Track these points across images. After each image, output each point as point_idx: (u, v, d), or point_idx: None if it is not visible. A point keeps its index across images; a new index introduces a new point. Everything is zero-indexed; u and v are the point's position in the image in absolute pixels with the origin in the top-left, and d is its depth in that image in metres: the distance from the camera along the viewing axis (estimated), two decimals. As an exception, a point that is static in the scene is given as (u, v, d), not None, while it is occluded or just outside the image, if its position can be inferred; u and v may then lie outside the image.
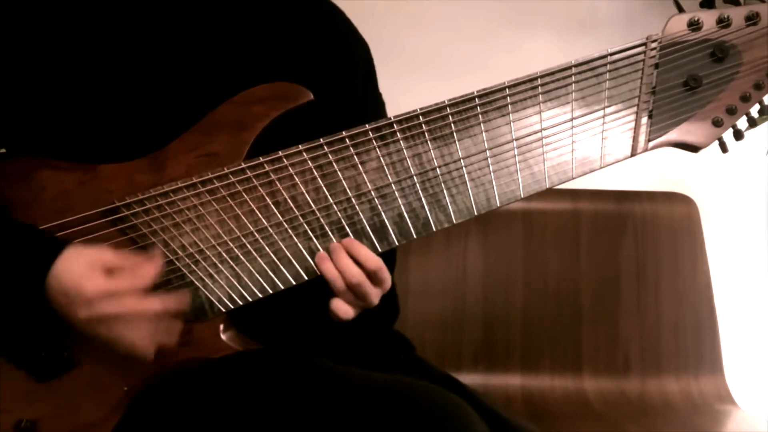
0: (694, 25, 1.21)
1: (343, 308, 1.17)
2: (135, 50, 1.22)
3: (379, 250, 1.19)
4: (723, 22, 1.21)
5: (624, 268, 2.09)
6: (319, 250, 1.18)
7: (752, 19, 1.21)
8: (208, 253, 1.16)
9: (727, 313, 2.19)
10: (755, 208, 2.32)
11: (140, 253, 1.13)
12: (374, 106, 1.39)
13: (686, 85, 1.21)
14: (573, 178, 1.21)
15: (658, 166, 2.20)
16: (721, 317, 2.10)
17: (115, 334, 1.08)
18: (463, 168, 1.19)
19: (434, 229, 1.20)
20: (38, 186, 1.16)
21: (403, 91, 1.49)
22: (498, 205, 1.20)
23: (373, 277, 1.17)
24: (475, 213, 1.20)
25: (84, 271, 1.07)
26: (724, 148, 1.25)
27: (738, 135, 1.24)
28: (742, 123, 1.25)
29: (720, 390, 2.05)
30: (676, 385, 2.04)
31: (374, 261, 1.17)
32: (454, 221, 1.20)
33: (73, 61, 1.19)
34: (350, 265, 1.16)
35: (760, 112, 1.24)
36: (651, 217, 2.11)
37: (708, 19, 1.21)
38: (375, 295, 1.19)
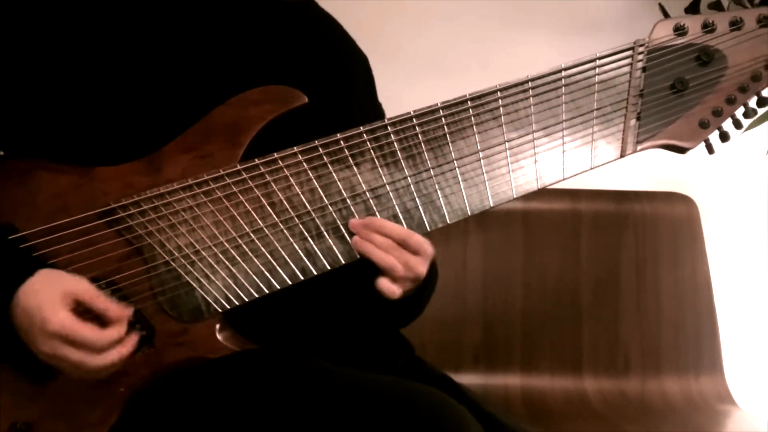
0: (680, 30, 1.23)
1: (387, 286, 1.19)
2: (131, 53, 1.22)
3: None
4: (708, 27, 1.23)
5: (624, 268, 2.09)
6: (314, 250, 1.19)
7: (736, 24, 1.23)
8: (204, 253, 1.17)
9: (727, 313, 2.18)
10: (755, 208, 2.31)
11: (112, 302, 1.11)
12: (374, 116, 1.39)
13: (673, 88, 1.23)
14: (565, 179, 1.23)
15: (658, 166, 2.20)
16: (721, 317, 2.10)
17: (68, 370, 1.09)
18: (457, 169, 1.21)
19: (428, 229, 1.21)
20: (34, 188, 1.17)
21: (402, 91, 1.50)
22: (491, 205, 1.22)
23: (405, 246, 1.19)
24: (469, 213, 1.22)
25: (52, 299, 1.07)
26: (710, 149, 1.27)
27: (724, 137, 1.26)
28: (728, 125, 1.26)
29: (720, 390, 2.05)
30: (676, 385, 2.04)
31: (398, 230, 1.19)
32: (448, 221, 1.21)
33: (69, 64, 1.20)
34: (377, 236, 1.18)
35: (744, 114, 1.25)
36: (651, 217, 2.11)
37: (693, 24, 1.23)
38: (418, 262, 1.20)
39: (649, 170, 2.21)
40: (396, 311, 1.30)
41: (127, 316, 1.10)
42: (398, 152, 1.20)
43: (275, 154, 1.17)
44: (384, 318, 1.33)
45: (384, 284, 1.19)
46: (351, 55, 1.40)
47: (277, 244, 1.18)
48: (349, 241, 1.19)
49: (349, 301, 1.29)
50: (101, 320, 1.08)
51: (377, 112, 1.39)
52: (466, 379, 1.96)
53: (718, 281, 2.14)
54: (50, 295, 1.07)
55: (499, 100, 1.21)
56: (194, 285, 1.16)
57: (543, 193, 1.25)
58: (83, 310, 1.08)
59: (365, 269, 1.20)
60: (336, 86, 1.33)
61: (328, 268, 1.20)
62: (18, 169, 1.18)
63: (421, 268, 1.21)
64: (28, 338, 1.07)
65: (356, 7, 1.44)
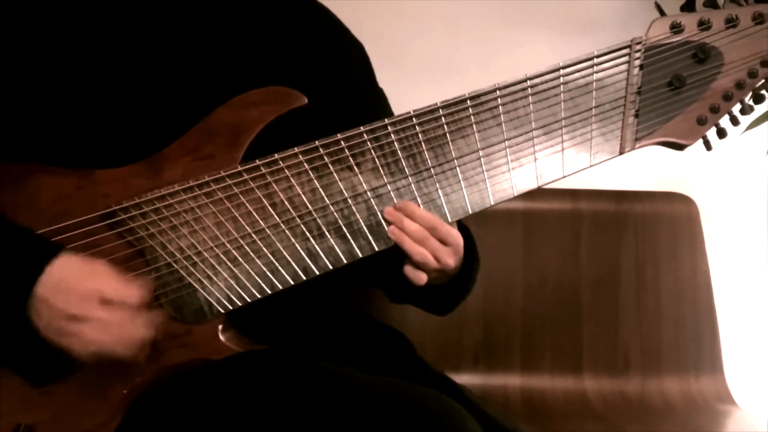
0: (676, 28, 1.24)
1: (414, 273, 1.21)
2: (130, 55, 1.22)
3: (376, 249, 1.20)
4: (704, 25, 1.24)
5: (624, 268, 2.09)
6: (316, 250, 1.19)
7: (732, 21, 1.24)
8: (206, 255, 1.17)
9: (727, 313, 2.18)
10: (755, 208, 2.31)
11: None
12: (376, 102, 1.40)
13: (671, 85, 1.24)
14: (564, 177, 1.24)
15: (658, 166, 2.20)
16: (721, 317, 2.10)
17: (91, 338, 1.09)
18: (457, 168, 1.21)
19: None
20: (35, 191, 1.17)
21: (402, 91, 1.50)
22: (492, 203, 1.22)
23: (433, 233, 1.20)
24: (470, 212, 1.22)
25: (84, 270, 1.09)
26: (708, 146, 1.28)
27: (721, 133, 1.27)
28: (725, 122, 1.27)
29: (720, 390, 2.05)
30: (676, 385, 2.04)
31: (428, 218, 1.20)
32: (450, 220, 1.22)
33: (70, 66, 1.20)
34: (410, 223, 1.20)
35: (741, 111, 1.26)
36: (651, 217, 2.11)
37: (689, 22, 1.24)
38: (446, 253, 1.21)
39: (649, 170, 2.21)
40: (430, 300, 1.36)
41: (150, 290, 1.13)
42: (399, 152, 1.20)
43: (276, 154, 1.17)
44: (422, 304, 1.39)
45: (411, 271, 1.21)
46: (347, 43, 1.41)
47: (278, 245, 1.18)
48: (351, 240, 1.19)
49: (354, 299, 1.30)
50: None
51: (379, 98, 1.40)
52: (466, 379, 1.96)
53: (718, 281, 2.14)
54: (82, 269, 1.10)
55: (498, 99, 1.21)
56: (196, 286, 1.17)
57: (543, 192, 1.25)
58: None
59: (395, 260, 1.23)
60: (334, 76, 1.34)
61: (330, 267, 1.20)
62: (18, 173, 1.19)
63: (448, 259, 1.22)
64: (55, 309, 1.07)
65: (358, 8, 1.44)
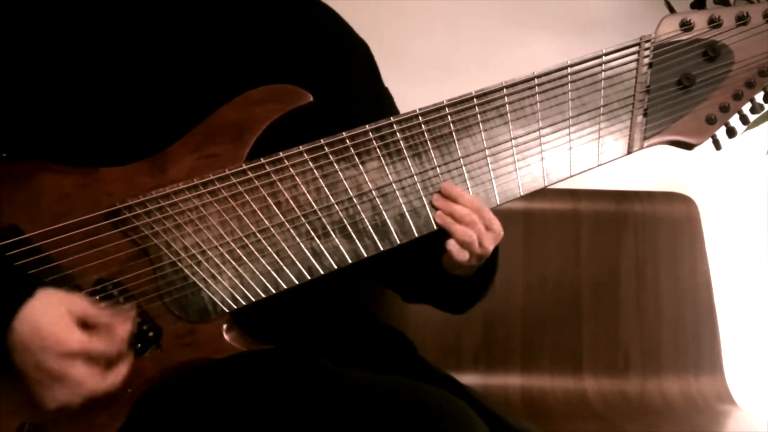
0: (686, 26, 1.24)
1: (457, 249, 1.21)
2: (134, 53, 1.22)
3: (381, 248, 1.20)
4: (714, 23, 1.24)
5: (624, 268, 2.09)
6: (321, 249, 1.19)
7: (743, 19, 1.24)
8: (211, 253, 1.17)
9: (727, 313, 2.18)
10: (755, 208, 2.31)
11: (113, 309, 1.13)
12: (379, 101, 1.40)
13: (680, 84, 1.24)
14: (571, 176, 1.23)
15: (658, 166, 2.20)
16: (721, 317, 2.10)
17: (62, 393, 1.08)
18: (463, 167, 1.21)
19: (435, 227, 1.21)
20: (38, 189, 1.17)
21: (404, 91, 1.50)
22: (498, 203, 1.22)
23: (480, 216, 1.21)
24: (475, 211, 1.22)
25: (63, 319, 1.07)
26: (717, 145, 1.27)
27: (731, 133, 1.27)
28: (734, 121, 1.27)
29: (720, 390, 2.05)
30: (676, 385, 2.04)
31: (473, 201, 1.21)
32: (455, 221, 1.21)
33: (73, 64, 1.20)
34: (457, 207, 1.20)
35: (752, 110, 1.26)
36: (651, 217, 2.11)
37: (699, 19, 1.24)
38: (490, 239, 1.22)
39: (649, 170, 2.21)
40: (449, 297, 1.35)
41: (133, 315, 1.11)
42: (404, 150, 1.20)
43: (281, 153, 1.17)
44: (443, 297, 1.38)
45: (454, 247, 1.21)
46: (349, 42, 1.41)
47: (283, 244, 1.18)
48: (356, 240, 1.19)
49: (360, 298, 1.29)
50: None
51: (383, 97, 1.40)
52: (466, 379, 1.94)
53: (718, 281, 2.14)
54: (59, 316, 1.07)
55: (505, 98, 1.21)
56: (201, 285, 1.16)
57: (543, 192, 1.25)
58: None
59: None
60: (336, 74, 1.34)
61: (335, 267, 1.19)
62: (22, 171, 1.18)
63: (490, 245, 1.23)
64: (30, 358, 1.07)
65: (359, 8, 1.44)
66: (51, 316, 1.07)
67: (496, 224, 1.23)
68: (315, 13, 1.39)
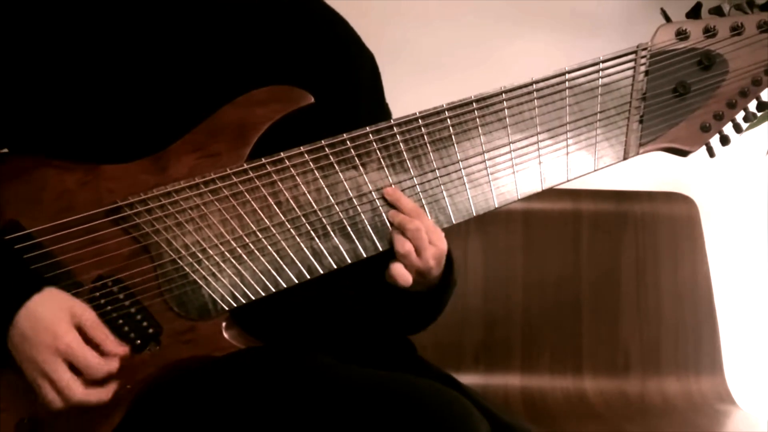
0: (682, 35, 1.25)
1: (401, 272, 1.18)
2: (138, 51, 1.22)
3: (381, 249, 1.21)
4: (709, 32, 1.25)
5: (624, 268, 2.10)
6: (321, 249, 1.20)
7: (737, 29, 1.25)
8: (211, 252, 1.17)
9: (727, 313, 2.19)
10: (755, 208, 2.32)
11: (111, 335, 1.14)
12: (380, 115, 1.39)
13: (675, 92, 1.25)
14: (568, 181, 1.24)
15: (658, 166, 2.20)
16: (721, 317, 2.10)
17: (47, 393, 1.10)
18: (462, 170, 1.22)
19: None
20: (39, 186, 1.17)
21: (404, 91, 1.50)
22: (496, 206, 1.23)
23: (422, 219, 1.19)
24: (474, 214, 1.23)
25: (64, 316, 1.10)
26: (711, 153, 1.29)
27: (725, 140, 1.28)
28: (728, 129, 1.29)
29: (720, 390, 2.05)
30: (676, 385, 2.04)
31: (413, 207, 1.20)
32: (454, 221, 1.22)
33: (76, 61, 1.20)
34: (405, 217, 1.19)
35: (745, 118, 1.27)
36: (651, 217, 2.11)
37: (695, 29, 1.25)
38: (430, 252, 1.19)
39: (649, 170, 2.22)
40: (408, 310, 1.31)
41: (123, 353, 1.12)
42: (404, 153, 1.21)
43: (282, 153, 1.18)
44: (396, 317, 1.34)
45: (396, 269, 1.19)
46: (357, 53, 1.41)
47: (283, 243, 1.19)
48: (355, 240, 1.20)
49: (357, 299, 1.29)
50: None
51: (384, 112, 1.39)
52: (466, 379, 1.94)
53: (718, 281, 2.14)
54: (61, 313, 1.09)
55: (504, 102, 1.22)
56: (201, 283, 1.17)
57: (543, 193, 1.25)
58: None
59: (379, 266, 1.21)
60: (340, 85, 1.34)
61: (335, 267, 1.20)
62: (23, 167, 1.18)
63: (431, 259, 1.20)
64: (27, 349, 1.09)
65: (358, 7, 1.44)
66: (53, 312, 1.09)
67: (437, 238, 1.21)
68: (325, 20, 1.39)
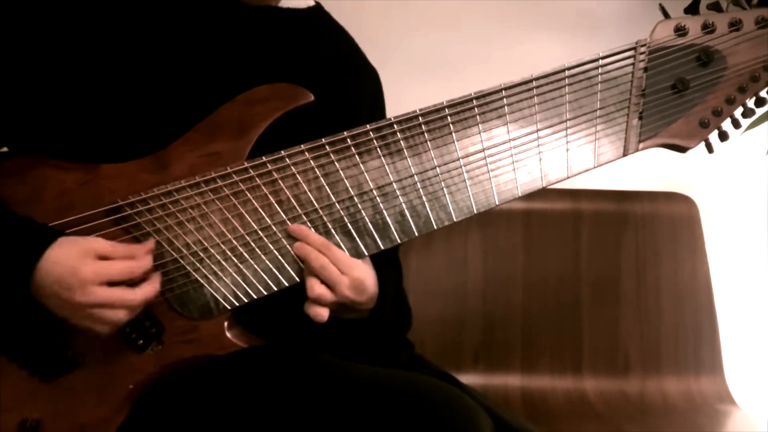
0: (681, 31, 1.25)
1: (316, 312, 1.16)
2: (137, 50, 1.23)
3: (382, 247, 1.21)
4: (708, 28, 1.25)
5: (624, 268, 2.09)
6: None
7: (735, 25, 1.25)
8: (213, 251, 1.17)
9: (727, 313, 2.19)
10: (755, 208, 2.32)
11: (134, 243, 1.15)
12: None
13: (674, 88, 1.25)
14: (568, 177, 1.24)
15: (658, 166, 2.21)
16: (721, 317, 2.10)
17: (107, 318, 1.10)
18: (462, 167, 1.21)
19: (435, 227, 1.21)
20: (39, 185, 1.17)
21: (403, 90, 1.50)
22: (497, 203, 1.22)
23: (328, 254, 1.17)
24: (475, 211, 1.22)
25: (78, 257, 1.09)
26: (710, 148, 1.29)
27: (723, 136, 1.28)
28: (726, 125, 1.28)
29: (720, 390, 2.05)
30: (676, 385, 2.04)
31: (322, 240, 1.18)
32: (455, 219, 1.22)
33: (76, 61, 1.20)
34: (310, 250, 1.17)
35: (743, 114, 1.27)
36: (651, 217, 2.11)
37: (693, 25, 1.25)
38: (343, 283, 1.16)
39: (650, 170, 2.22)
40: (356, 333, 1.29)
41: (152, 248, 1.13)
42: (404, 150, 1.20)
43: (283, 152, 1.18)
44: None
45: (311, 310, 1.17)
46: (360, 69, 1.41)
47: (285, 242, 1.19)
48: (357, 238, 1.20)
49: None
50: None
51: None
52: (466, 379, 1.93)
53: (718, 281, 2.14)
54: (73, 256, 1.09)
55: (504, 99, 1.22)
56: (203, 282, 1.17)
57: (543, 192, 1.25)
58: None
59: None
60: (340, 98, 1.34)
61: (336, 265, 1.20)
62: (23, 166, 1.19)
63: (346, 290, 1.17)
64: (63, 300, 1.08)
65: (357, 7, 1.45)
66: (70, 253, 1.09)
67: (348, 267, 1.17)
68: (329, 33, 1.40)
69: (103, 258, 1.10)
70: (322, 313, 1.16)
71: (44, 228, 1.13)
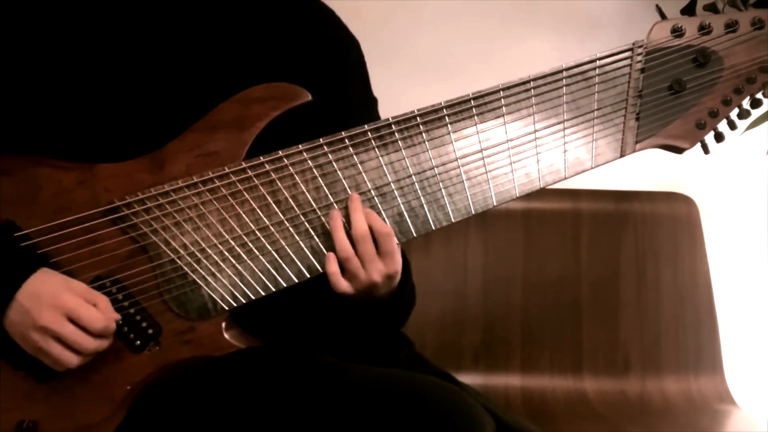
0: (677, 32, 1.26)
1: (337, 278, 1.18)
2: (134, 49, 1.23)
3: None
4: (704, 29, 1.26)
5: (624, 268, 2.09)
6: (320, 248, 1.19)
7: (731, 26, 1.26)
8: (210, 251, 1.17)
9: (727, 313, 2.19)
10: (755, 208, 2.32)
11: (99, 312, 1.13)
12: (368, 104, 1.40)
13: (671, 89, 1.25)
14: (566, 178, 1.25)
15: (659, 166, 2.20)
16: (721, 317, 2.10)
17: (49, 363, 1.11)
18: (460, 168, 1.21)
19: (433, 227, 1.21)
20: (36, 185, 1.17)
21: (402, 90, 1.50)
22: (495, 204, 1.22)
23: (380, 240, 1.18)
24: (473, 212, 1.22)
25: (58, 285, 1.11)
26: (706, 149, 1.29)
27: (719, 137, 1.28)
28: (722, 126, 1.29)
29: (720, 390, 2.05)
30: (676, 385, 2.04)
31: (384, 226, 1.18)
32: (453, 220, 1.22)
33: (72, 60, 1.20)
34: (360, 218, 1.18)
35: (739, 115, 1.28)
36: (651, 217, 2.11)
37: (690, 26, 1.26)
38: (377, 270, 1.18)
39: (649, 170, 2.21)
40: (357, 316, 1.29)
41: (118, 318, 1.13)
42: (402, 151, 1.20)
43: (280, 152, 1.17)
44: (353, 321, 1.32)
45: (334, 275, 1.18)
46: (347, 45, 1.41)
47: (283, 242, 1.18)
48: None
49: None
50: None
51: (370, 100, 1.41)
52: (466, 379, 1.93)
53: (718, 281, 2.14)
54: (56, 285, 1.11)
55: (502, 100, 1.22)
56: (200, 283, 1.17)
57: (543, 192, 1.25)
58: None
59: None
60: (333, 78, 1.34)
61: (334, 265, 1.20)
62: (19, 166, 1.18)
63: (376, 277, 1.18)
64: (29, 320, 1.09)
65: (357, 7, 1.44)
66: (50, 284, 1.10)
67: (388, 248, 1.19)
68: (315, 15, 1.39)
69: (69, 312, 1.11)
70: (343, 284, 1.18)
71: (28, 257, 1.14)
